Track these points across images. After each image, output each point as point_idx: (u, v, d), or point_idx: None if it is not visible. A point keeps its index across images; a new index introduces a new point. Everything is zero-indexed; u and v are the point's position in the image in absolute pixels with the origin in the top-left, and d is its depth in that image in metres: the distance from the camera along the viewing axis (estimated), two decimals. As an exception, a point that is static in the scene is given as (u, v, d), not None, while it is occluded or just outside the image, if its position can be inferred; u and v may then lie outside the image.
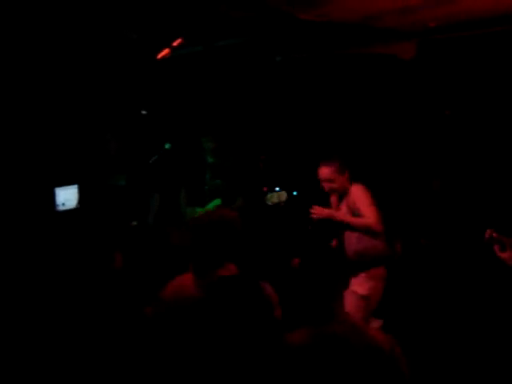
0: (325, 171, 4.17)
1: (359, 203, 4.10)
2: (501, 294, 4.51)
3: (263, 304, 2.16)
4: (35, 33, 5.10)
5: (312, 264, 4.44)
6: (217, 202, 5.99)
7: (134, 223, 6.13)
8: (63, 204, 5.90)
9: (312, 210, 4.14)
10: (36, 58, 5.53)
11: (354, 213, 4.12)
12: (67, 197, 5.93)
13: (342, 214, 4.14)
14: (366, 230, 4.07)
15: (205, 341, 2.14)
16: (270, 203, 5.09)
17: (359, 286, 4.14)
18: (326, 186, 4.20)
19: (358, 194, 4.11)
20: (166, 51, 5.33)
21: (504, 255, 2.85)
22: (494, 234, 2.85)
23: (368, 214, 4.04)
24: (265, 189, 5.66)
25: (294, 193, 6.45)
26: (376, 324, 4.34)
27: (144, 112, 6.37)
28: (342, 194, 4.24)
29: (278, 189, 4.99)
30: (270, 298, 2.38)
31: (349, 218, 4.10)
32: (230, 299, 2.14)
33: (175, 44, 5.20)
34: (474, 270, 5.03)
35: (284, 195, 5.04)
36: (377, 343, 2.29)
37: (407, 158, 6.47)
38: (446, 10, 4.80)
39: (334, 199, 4.34)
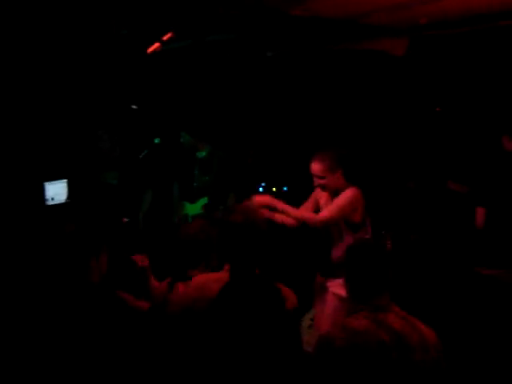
0: (316, 167, 4.07)
1: (338, 198, 4.04)
2: (490, 289, 4.54)
3: (276, 303, 2.17)
4: (26, 29, 5.07)
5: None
6: (203, 200, 6.00)
7: (126, 220, 6.12)
8: (52, 199, 5.88)
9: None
10: (26, 54, 5.50)
11: None
12: (56, 191, 5.92)
13: (282, 203, 4.01)
14: (300, 221, 4.01)
15: (219, 335, 2.15)
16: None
17: (340, 288, 4.11)
18: (316, 181, 4.14)
19: (346, 193, 4.03)
20: (156, 45, 5.30)
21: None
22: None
23: (328, 208, 4.01)
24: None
25: (285, 188, 6.46)
26: None
27: (134, 107, 6.34)
28: (334, 194, 4.17)
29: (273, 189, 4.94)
30: (285, 297, 2.41)
31: (288, 210, 3.99)
32: (244, 298, 2.15)
33: (165, 38, 5.18)
34: (462, 264, 5.06)
35: None
36: (426, 336, 2.39)
37: (398, 155, 6.48)
38: (436, 7, 4.80)
39: (321, 195, 4.29)
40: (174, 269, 3.18)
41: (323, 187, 4.13)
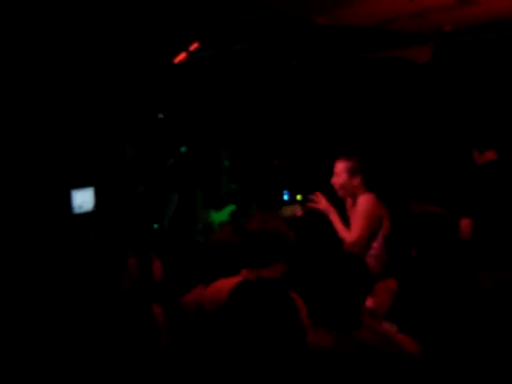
0: (338, 164, 4.10)
1: (355, 213, 4.02)
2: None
3: (286, 307, 2.17)
4: (56, 40, 5.16)
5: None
6: (232, 207, 6.04)
7: (155, 226, 6.16)
8: (80, 207, 5.92)
9: (313, 196, 4.10)
10: (54, 64, 5.59)
11: None
12: (84, 199, 5.96)
13: (336, 216, 4.05)
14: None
15: (227, 340, 2.16)
16: (283, 217, 5.09)
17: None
18: (332, 179, 4.15)
19: (361, 204, 4.01)
20: (182, 55, 5.36)
21: None
22: None
23: (354, 227, 3.97)
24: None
25: (308, 197, 6.45)
26: (393, 329, 4.30)
27: (161, 116, 6.40)
28: (354, 199, 4.18)
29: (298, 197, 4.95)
30: (296, 302, 2.40)
31: (337, 223, 4.02)
32: (252, 302, 2.16)
33: (192, 48, 5.23)
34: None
35: (298, 209, 5.03)
36: (406, 351, 2.31)
37: (420, 161, 6.45)
38: (461, 14, 4.80)
39: (349, 202, 4.30)
40: (203, 275, 3.19)
41: (338, 188, 4.12)
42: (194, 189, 6.35)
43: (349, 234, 3.95)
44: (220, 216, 6.02)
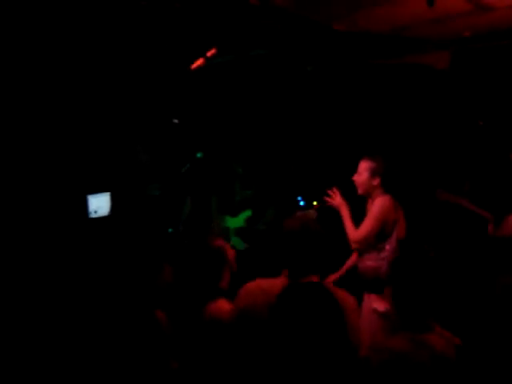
0: (361, 163, 4.22)
1: (368, 213, 4.14)
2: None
3: (332, 310, 2.16)
4: (73, 46, 5.18)
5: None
6: (247, 213, 6.03)
7: (170, 230, 6.18)
8: (95, 211, 5.95)
9: (330, 191, 4.20)
10: (71, 70, 5.61)
11: None
12: (100, 204, 5.98)
13: (347, 213, 4.14)
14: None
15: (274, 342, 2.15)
16: None
17: (379, 303, 4.10)
18: (354, 176, 4.24)
19: (375, 205, 4.12)
20: (199, 61, 5.36)
21: None
22: None
23: (362, 227, 4.09)
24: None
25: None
26: None
27: (176, 121, 6.41)
28: (371, 199, 4.23)
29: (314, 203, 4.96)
30: (343, 304, 2.38)
31: (346, 220, 4.13)
32: (300, 304, 2.15)
33: (209, 54, 5.23)
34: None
35: (314, 214, 5.02)
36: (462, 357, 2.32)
37: (440, 167, 6.41)
38: (478, 20, 4.77)
39: (370, 201, 4.33)
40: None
41: (358, 185, 4.22)
42: (209, 194, 6.36)
43: (354, 233, 4.10)
44: (235, 222, 6.02)
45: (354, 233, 4.09)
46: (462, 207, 5.20)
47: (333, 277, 4.42)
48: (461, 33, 5.12)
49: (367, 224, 4.08)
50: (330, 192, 4.22)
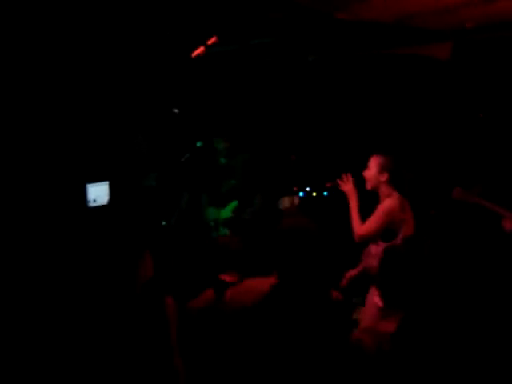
0: (371, 158, 4.22)
1: (376, 210, 4.14)
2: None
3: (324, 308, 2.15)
4: (67, 31, 5.15)
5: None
6: (234, 203, 6.00)
7: (163, 223, 6.15)
8: (94, 200, 5.95)
9: (344, 175, 4.22)
10: (69, 59, 5.58)
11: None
12: (98, 193, 5.98)
13: (356, 203, 4.16)
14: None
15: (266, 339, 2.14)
16: (281, 208, 5.06)
17: (378, 297, 4.09)
18: (364, 171, 4.25)
19: (383, 205, 4.13)
20: (200, 49, 5.33)
21: None
22: None
23: (367, 222, 4.10)
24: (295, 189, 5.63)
25: (325, 193, 6.43)
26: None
27: (176, 110, 6.38)
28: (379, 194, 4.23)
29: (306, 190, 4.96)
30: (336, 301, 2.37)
31: (353, 210, 4.14)
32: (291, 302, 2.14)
33: (210, 42, 5.20)
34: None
35: (296, 200, 5.00)
36: None
37: (439, 159, 6.40)
38: (482, 11, 4.73)
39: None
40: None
41: (365, 178, 4.23)
42: (199, 187, 6.31)
43: (359, 226, 4.10)
44: (223, 213, 5.97)
45: (358, 226, 4.10)
46: (478, 206, 5.16)
47: (352, 272, 4.40)
48: (463, 24, 5.08)
49: (372, 221, 4.09)
50: (344, 176, 4.23)
